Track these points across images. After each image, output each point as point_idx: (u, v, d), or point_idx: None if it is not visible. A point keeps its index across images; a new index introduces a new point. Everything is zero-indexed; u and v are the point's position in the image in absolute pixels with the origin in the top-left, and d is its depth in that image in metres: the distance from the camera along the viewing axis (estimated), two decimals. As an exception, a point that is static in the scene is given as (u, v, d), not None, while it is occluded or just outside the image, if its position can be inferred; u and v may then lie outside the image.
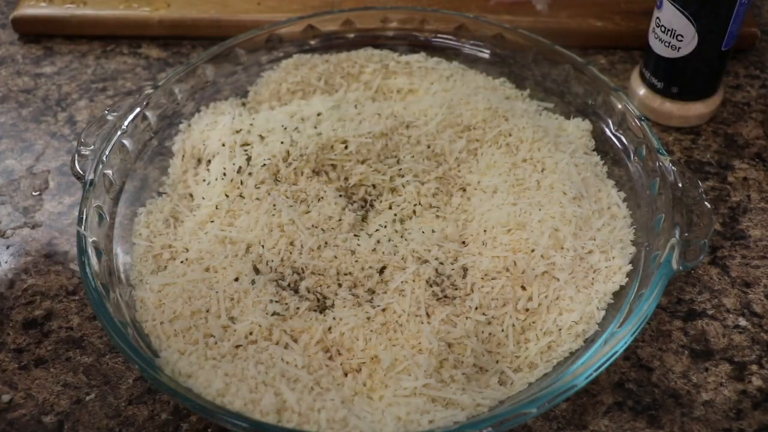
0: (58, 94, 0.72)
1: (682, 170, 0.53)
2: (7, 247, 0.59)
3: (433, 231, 0.53)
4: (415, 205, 0.56)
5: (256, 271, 0.51)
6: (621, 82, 0.72)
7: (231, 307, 0.49)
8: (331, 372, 0.47)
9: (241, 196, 0.55)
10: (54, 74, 0.74)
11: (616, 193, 0.58)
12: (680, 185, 0.52)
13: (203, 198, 0.57)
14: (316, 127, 0.58)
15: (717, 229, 0.60)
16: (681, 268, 0.48)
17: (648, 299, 0.47)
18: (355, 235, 0.54)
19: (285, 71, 0.66)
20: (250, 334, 0.48)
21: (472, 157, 0.59)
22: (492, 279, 0.51)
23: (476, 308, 0.50)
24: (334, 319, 0.49)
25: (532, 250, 0.51)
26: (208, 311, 0.49)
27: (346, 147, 0.57)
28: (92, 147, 0.56)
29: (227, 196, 0.55)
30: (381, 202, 0.57)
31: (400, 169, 0.57)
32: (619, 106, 0.59)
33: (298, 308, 0.49)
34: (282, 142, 0.57)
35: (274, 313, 0.48)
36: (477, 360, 0.48)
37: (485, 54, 0.68)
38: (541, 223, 0.53)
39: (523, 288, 0.51)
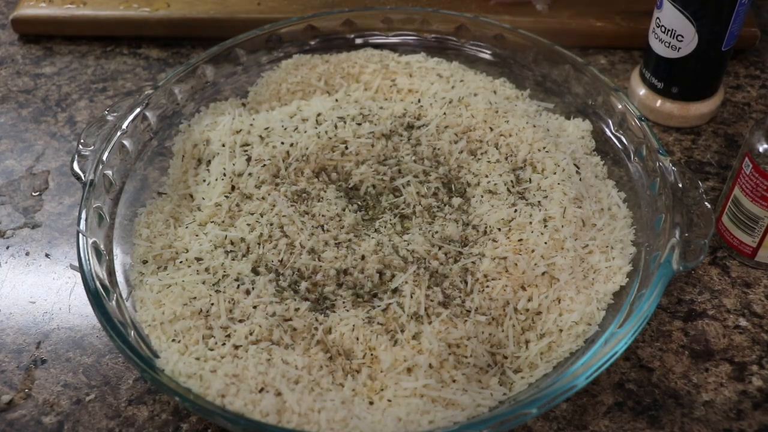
0: (58, 94, 0.72)
1: (682, 170, 0.53)
2: (7, 248, 0.59)
3: (433, 232, 0.53)
4: (415, 205, 0.56)
5: (256, 271, 0.51)
6: (621, 82, 0.72)
7: (231, 308, 0.49)
8: (331, 373, 0.47)
9: (241, 196, 0.55)
10: (54, 74, 0.74)
11: (617, 193, 0.58)
12: (680, 185, 0.52)
13: (203, 198, 0.57)
14: (316, 128, 0.58)
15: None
16: (681, 268, 0.48)
17: (648, 299, 0.47)
18: (355, 236, 0.54)
19: (285, 71, 0.66)
20: (250, 334, 0.48)
21: (472, 157, 0.59)
22: (492, 279, 0.51)
23: (476, 309, 0.50)
24: (334, 319, 0.49)
25: (533, 251, 0.51)
26: (208, 312, 0.49)
27: (346, 147, 0.57)
28: (92, 147, 0.56)
29: (227, 196, 0.55)
30: (381, 202, 0.56)
31: (401, 169, 0.57)
32: (620, 107, 0.59)
33: (298, 309, 0.49)
34: (282, 143, 0.57)
35: (274, 314, 0.48)
36: (477, 360, 0.48)
37: (485, 54, 0.68)
38: (541, 224, 0.53)
39: (524, 288, 0.51)
